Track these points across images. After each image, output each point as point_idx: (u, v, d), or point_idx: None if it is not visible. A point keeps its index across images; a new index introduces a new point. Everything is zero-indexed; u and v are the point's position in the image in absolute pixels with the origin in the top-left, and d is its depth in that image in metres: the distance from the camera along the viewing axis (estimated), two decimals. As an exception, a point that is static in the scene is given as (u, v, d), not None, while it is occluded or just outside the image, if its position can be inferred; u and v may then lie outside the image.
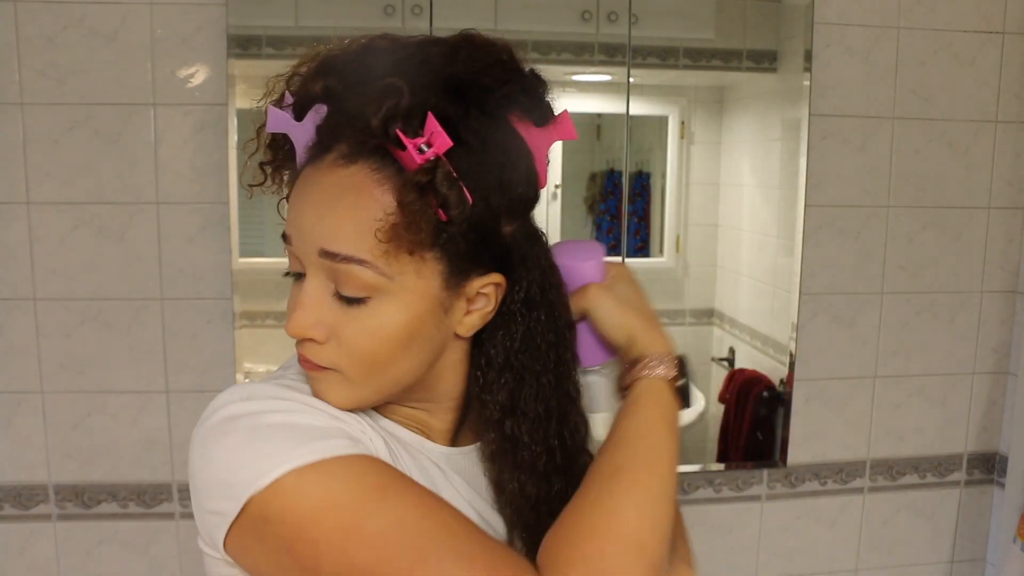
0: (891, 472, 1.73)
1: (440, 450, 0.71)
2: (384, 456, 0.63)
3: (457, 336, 0.66)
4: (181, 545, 1.53)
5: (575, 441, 0.71)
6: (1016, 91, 1.65)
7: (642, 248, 1.73)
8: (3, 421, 1.48)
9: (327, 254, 0.59)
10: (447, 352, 0.67)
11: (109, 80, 1.42)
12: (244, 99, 1.45)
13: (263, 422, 0.58)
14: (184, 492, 1.51)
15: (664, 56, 1.60)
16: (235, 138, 1.43)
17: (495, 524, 0.71)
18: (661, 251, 1.73)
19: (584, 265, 0.73)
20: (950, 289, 1.69)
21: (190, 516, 0.88)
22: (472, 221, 0.60)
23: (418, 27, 1.43)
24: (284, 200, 0.65)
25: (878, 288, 1.66)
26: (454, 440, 0.73)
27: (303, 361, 0.63)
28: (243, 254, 1.47)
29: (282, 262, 0.64)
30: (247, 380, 1.49)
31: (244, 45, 1.43)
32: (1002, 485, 1.73)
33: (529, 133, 0.63)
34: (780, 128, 1.65)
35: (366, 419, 0.66)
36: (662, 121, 1.69)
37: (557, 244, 0.74)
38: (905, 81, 1.61)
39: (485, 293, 0.64)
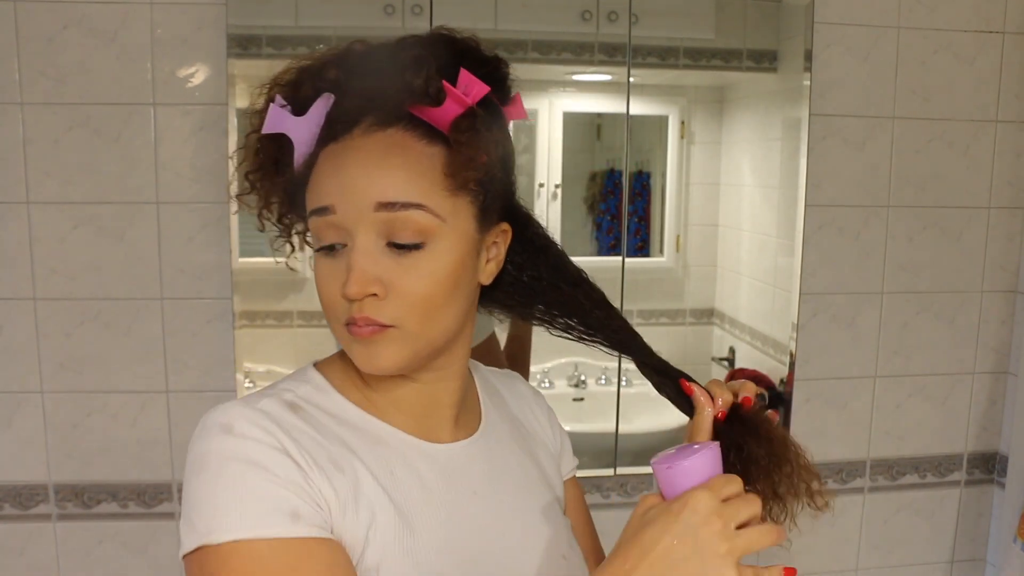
0: (891, 472, 1.73)
1: (438, 449, 0.71)
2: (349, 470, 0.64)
3: (478, 285, 0.72)
4: (181, 545, 1.53)
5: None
6: (1016, 91, 1.65)
7: (642, 248, 1.73)
8: (3, 421, 1.48)
9: (385, 205, 0.62)
10: (472, 302, 0.72)
11: (109, 80, 1.42)
12: (244, 99, 1.45)
13: (234, 473, 0.60)
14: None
15: (664, 56, 1.60)
16: (235, 138, 1.43)
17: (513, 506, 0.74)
18: (661, 251, 1.73)
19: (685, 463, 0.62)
20: (950, 289, 1.69)
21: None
22: (500, 164, 0.67)
23: (418, 27, 1.43)
24: (266, 214, 0.71)
25: (878, 288, 1.66)
26: (450, 433, 0.74)
27: (362, 327, 0.64)
28: (243, 254, 1.46)
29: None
30: (249, 383, 1.49)
31: (244, 45, 1.43)
32: (1002, 485, 1.73)
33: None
34: (780, 128, 1.65)
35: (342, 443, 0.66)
36: (662, 121, 1.69)
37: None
38: (905, 81, 1.61)
39: (496, 242, 0.72)
